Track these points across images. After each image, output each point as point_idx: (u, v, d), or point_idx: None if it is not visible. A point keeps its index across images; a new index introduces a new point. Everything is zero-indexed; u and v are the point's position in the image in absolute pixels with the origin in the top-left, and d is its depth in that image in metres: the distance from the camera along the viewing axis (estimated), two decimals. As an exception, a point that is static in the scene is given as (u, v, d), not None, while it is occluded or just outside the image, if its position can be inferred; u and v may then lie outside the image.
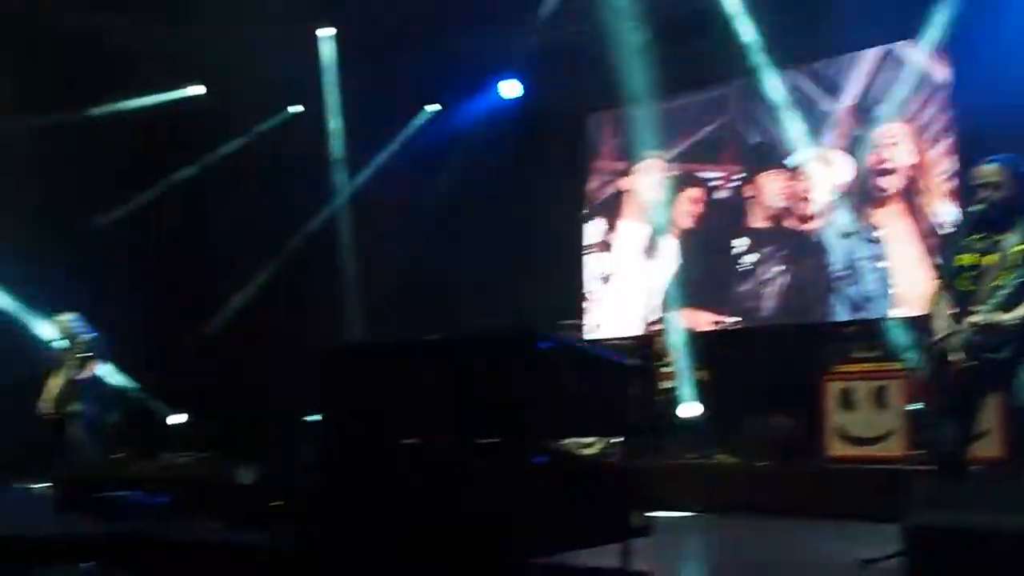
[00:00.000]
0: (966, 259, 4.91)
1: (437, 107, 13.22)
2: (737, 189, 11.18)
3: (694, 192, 11.54)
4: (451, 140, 12.61)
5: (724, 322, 10.98)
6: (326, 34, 12.64)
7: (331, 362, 4.10)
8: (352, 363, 4.10)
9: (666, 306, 11.21)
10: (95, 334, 9.86)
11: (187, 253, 12.65)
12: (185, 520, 5.92)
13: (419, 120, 13.23)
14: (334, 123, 13.10)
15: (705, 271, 11.26)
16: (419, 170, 12.54)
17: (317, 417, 4.31)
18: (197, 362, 12.00)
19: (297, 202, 12.65)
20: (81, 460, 9.29)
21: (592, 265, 12.26)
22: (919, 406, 7.75)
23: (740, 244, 11.09)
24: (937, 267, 5.23)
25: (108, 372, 10.02)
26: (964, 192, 7.55)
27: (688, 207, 11.56)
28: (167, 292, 12.14)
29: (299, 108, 13.53)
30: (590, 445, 8.88)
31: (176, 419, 11.69)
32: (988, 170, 4.94)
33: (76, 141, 11.39)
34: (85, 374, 9.69)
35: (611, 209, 12.25)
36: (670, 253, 11.48)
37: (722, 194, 11.31)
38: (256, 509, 5.83)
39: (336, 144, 13.15)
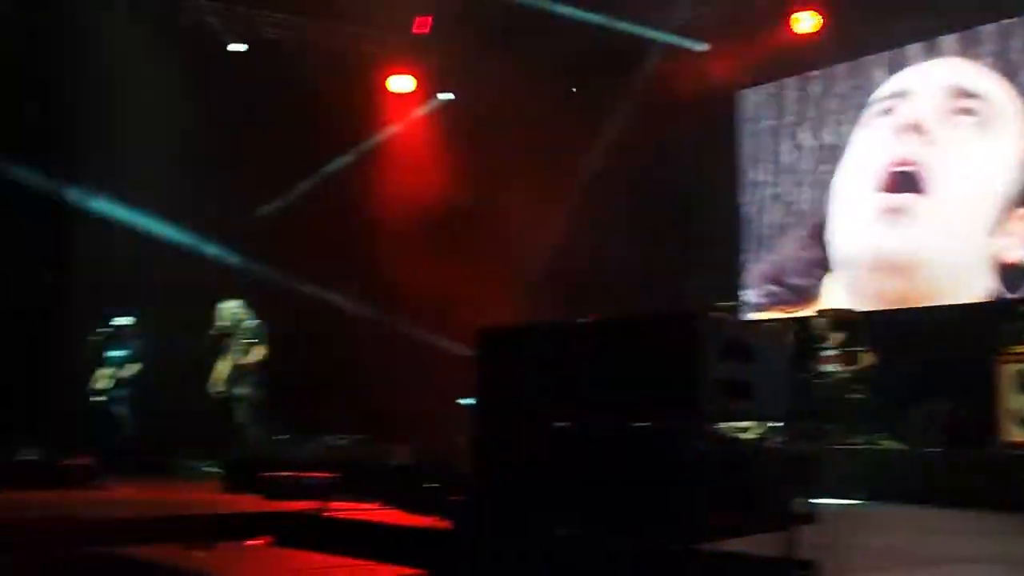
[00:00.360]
0: None
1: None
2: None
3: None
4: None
5: (890, 301, 10.59)
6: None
7: (486, 344, 4.10)
8: (507, 345, 4.10)
9: (827, 286, 10.90)
10: (258, 321, 10.22)
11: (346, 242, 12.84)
12: (346, 499, 6.06)
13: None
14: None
15: (867, 247, 10.90)
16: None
17: (471, 401, 4.32)
18: (353, 345, 12.25)
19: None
20: (247, 442, 9.66)
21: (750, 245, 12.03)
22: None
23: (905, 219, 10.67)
24: None
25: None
26: None
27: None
28: (325, 279, 12.38)
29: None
30: (748, 429, 8.68)
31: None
32: None
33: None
34: (250, 359, 10.06)
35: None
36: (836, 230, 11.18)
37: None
38: (412, 490, 5.94)
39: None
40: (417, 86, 13.00)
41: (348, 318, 12.46)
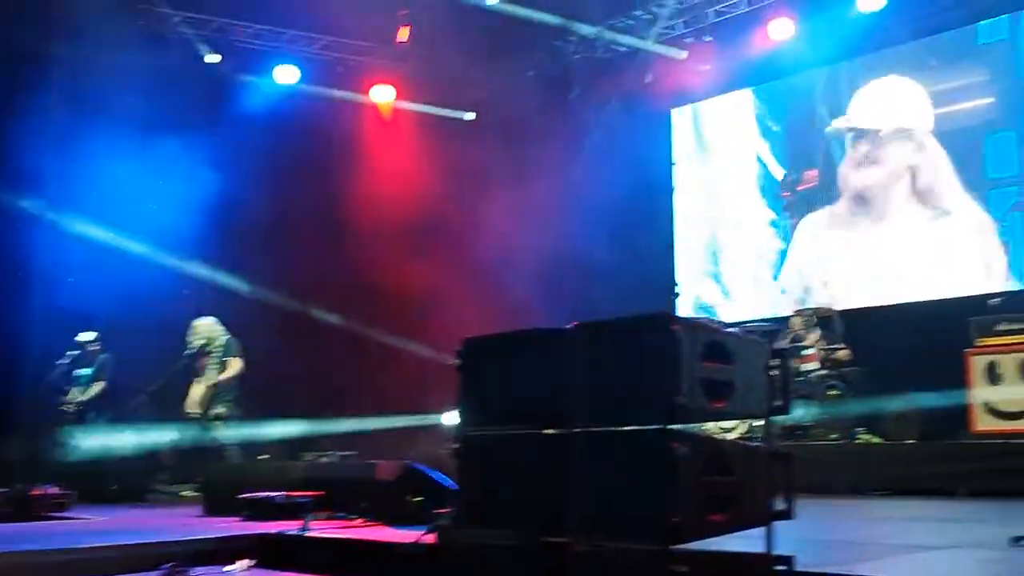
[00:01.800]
0: None
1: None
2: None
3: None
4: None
5: (864, 299, 10.74)
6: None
7: (470, 353, 4.12)
8: (492, 354, 4.12)
9: (801, 289, 11.04)
10: (232, 336, 10.14)
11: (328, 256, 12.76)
12: (329, 517, 6.05)
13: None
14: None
15: (843, 248, 11.05)
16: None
17: (454, 412, 4.34)
18: (334, 359, 12.21)
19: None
20: (227, 463, 9.55)
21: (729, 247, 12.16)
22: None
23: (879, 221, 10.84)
24: None
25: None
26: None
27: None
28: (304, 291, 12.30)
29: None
30: (731, 428, 8.78)
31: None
32: None
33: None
34: (226, 375, 9.98)
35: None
36: (808, 232, 11.31)
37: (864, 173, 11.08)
38: (397, 505, 5.95)
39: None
40: (397, 95, 13.01)
41: (327, 331, 12.40)
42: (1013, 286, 9.82)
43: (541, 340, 3.88)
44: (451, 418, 9.97)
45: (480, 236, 11.99)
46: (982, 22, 10.37)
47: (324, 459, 9.87)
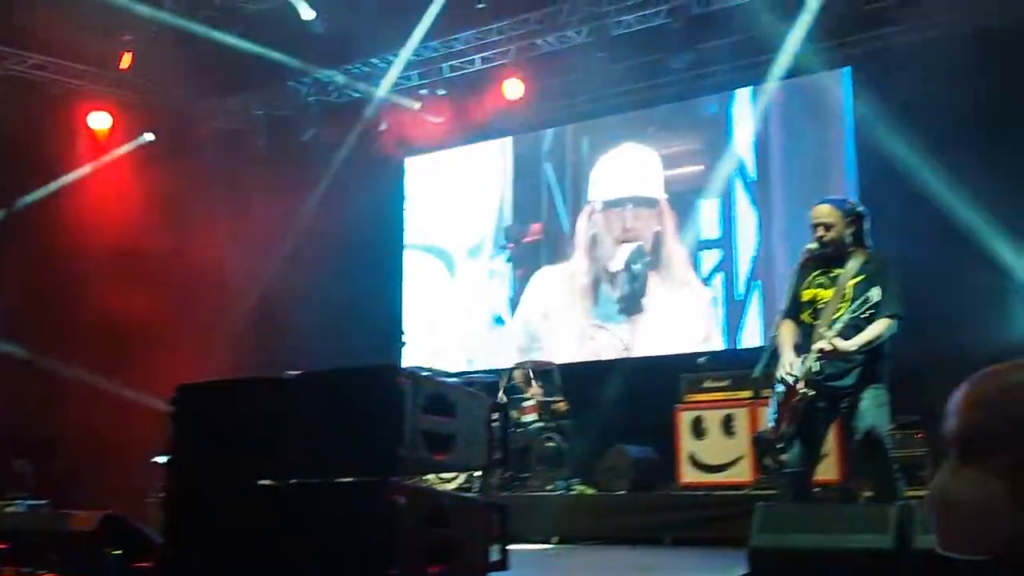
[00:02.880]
0: (807, 294, 5.17)
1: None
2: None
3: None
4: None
5: (585, 354, 11.16)
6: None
7: (185, 400, 3.93)
8: (207, 401, 3.94)
9: (526, 340, 11.33)
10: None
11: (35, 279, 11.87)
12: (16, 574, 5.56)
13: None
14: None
15: (564, 303, 11.44)
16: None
17: (165, 459, 4.11)
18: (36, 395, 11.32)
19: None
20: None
21: (451, 298, 12.32)
22: (764, 433, 7.98)
23: (596, 274, 11.31)
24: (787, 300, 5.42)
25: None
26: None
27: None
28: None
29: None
30: (451, 479, 8.84)
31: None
32: (823, 210, 5.24)
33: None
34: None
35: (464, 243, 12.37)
36: (534, 286, 11.64)
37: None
38: (93, 557, 5.55)
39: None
40: (116, 123, 12.33)
41: (25, 369, 11.48)
42: (718, 345, 10.47)
43: (261, 388, 3.76)
44: (159, 466, 9.52)
45: (201, 273, 11.59)
46: (700, 96, 11.15)
47: (10, 508, 9.06)
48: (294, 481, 3.55)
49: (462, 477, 8.86)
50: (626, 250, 11.21)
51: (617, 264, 11.22)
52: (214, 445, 3.83)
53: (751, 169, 10.69)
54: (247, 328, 11.74)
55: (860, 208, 5.27)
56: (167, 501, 3.95)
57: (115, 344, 11.40)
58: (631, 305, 11.06)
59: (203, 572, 3.73)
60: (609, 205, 11.45)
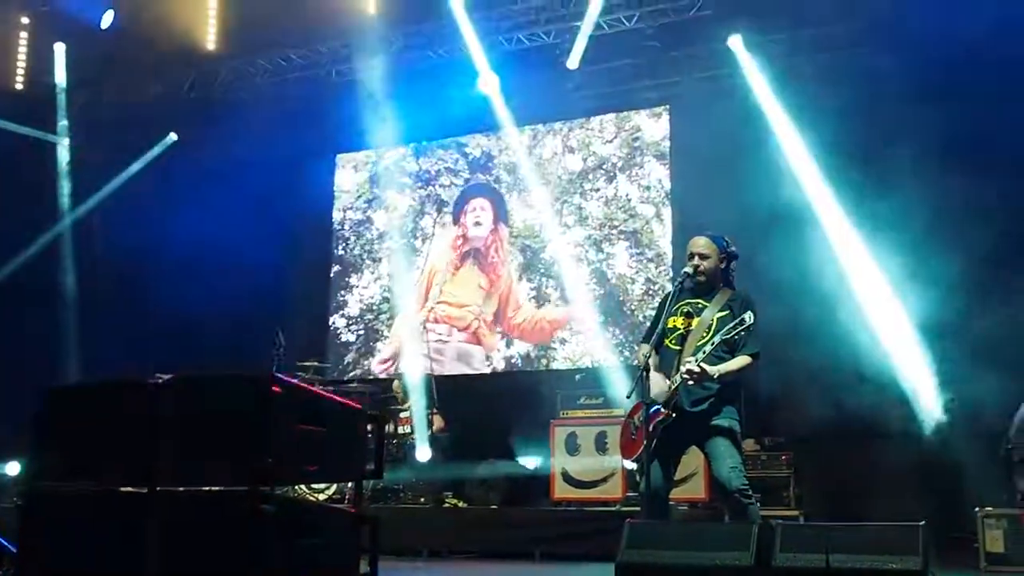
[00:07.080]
0: (672, 321, 5.37)
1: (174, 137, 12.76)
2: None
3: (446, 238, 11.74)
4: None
5: (465, 368, 11.17)
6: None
7: (51, 404, 3.79)
8: (74, 405, 3.82)
9: (406, 350, 11.29)
10: None
11: None
12: None
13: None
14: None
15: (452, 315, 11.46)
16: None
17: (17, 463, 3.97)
18: None
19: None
20: None
21: (338, 305, 12.21)
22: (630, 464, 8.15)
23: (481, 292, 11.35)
24: (650, 326, 5.59)
25: None
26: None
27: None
28: None
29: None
30: (323, 489, 8.75)
31: None
32: (700, 242, 5.45)
33: None
34: None
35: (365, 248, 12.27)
36: (417, 298, 11.61)
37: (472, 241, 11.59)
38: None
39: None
40: None
41: None
42: (591, 362, 10.58)
43: (128, 391, 3.66)
44: (14, 469, 9.15)
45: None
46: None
47: None
48: (159, 488, 3.46)
49: (333, 487, 8.79)
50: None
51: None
52: (76, 450, 3.72)
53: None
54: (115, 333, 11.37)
55: (733, 248, 5.47)
56: (23, 509, 3.80)
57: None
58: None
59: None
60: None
